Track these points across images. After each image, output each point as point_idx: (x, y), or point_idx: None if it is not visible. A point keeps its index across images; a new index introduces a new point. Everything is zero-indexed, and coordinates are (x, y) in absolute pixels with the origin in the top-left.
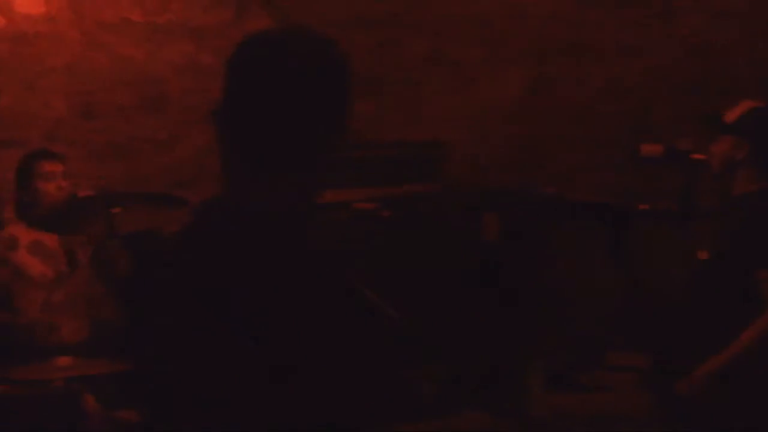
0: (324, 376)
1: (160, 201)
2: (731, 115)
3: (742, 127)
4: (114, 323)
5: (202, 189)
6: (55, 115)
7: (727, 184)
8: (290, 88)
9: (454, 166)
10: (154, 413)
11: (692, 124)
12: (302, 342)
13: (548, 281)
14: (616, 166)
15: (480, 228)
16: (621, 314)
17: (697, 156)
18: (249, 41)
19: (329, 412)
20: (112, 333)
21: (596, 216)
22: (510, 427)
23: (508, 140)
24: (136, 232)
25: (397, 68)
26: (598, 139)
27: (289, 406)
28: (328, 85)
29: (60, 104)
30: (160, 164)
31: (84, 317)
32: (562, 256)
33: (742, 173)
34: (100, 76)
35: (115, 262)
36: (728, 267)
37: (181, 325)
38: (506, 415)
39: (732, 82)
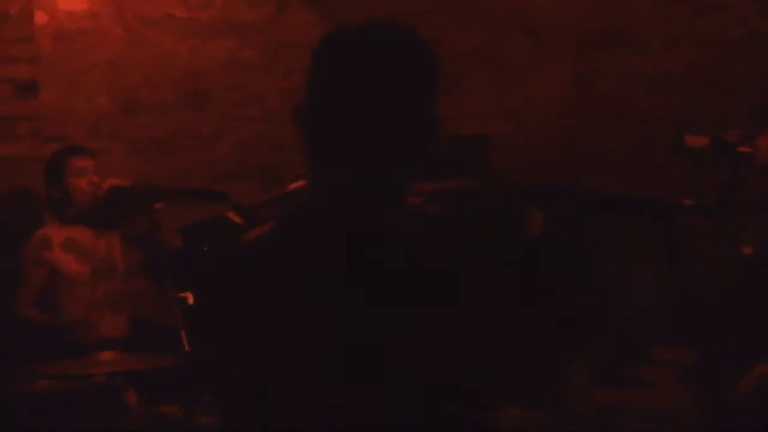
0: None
1: (203, 196)
2: None
3: None
4: (155, 319)
5: (244, 184)
6: (98, 110)
7: None
8: (384, 83)
9: (498, 160)
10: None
11: (739, 117)
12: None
13: (592, 276)
14: (660, 161)
15: (524, 223)
16: (666, 310)
17: (743, 149)
18: (338, 35)
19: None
20: (153, 329)
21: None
22: (554, 422)
23: (552, 134)
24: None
25: (443, 62)
26: (642, 133)
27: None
28: (421, 80)
29: (103, 100)
30: (203, 159)
31: (124, 313)
32: (605, 251)
33: None
34: (143, 71)
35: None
36: None
37: (266, 334)
38: (550, 410)
39: None
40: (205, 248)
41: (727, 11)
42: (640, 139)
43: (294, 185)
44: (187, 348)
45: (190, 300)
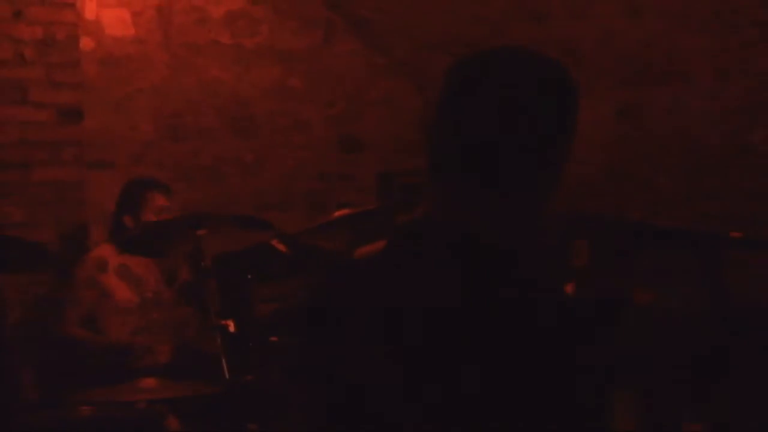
0: None
1: (246, 223)
2: None
3: None
4: (198, 347)
5: (289, 212)
6: (143, 137)
7: None
8: (527, 107)
9: None
10: None
11: None
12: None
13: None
14: (713, 194)
15: (570, 254)
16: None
17: None
18: (474, 63)
19: None
20: (196, 357)
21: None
22: None
23: (601, 167)
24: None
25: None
26: (692, 167)
27: None
28: (558, 104)
29: (148, 126)
30: (247, 187)
31: (167, 340)
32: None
33: None
34: (188, 98)
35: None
36: None
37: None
38: None
39: None
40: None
41: None
42: (689, 173)
43: (338, 213)
44: (227, 375)
45: (232, 327)
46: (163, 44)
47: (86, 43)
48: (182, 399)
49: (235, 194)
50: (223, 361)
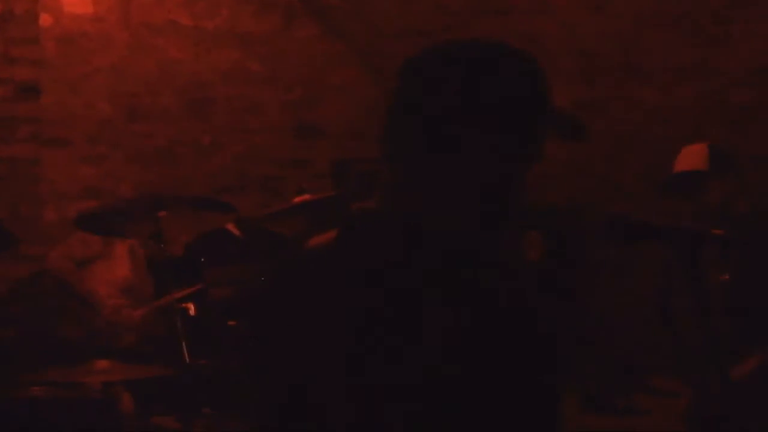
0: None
1: (207, 205)
2: None
3: None
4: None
5: (243, 196)
6: (100, 116)
7: None
8: (492, 101)
9: None
10: None
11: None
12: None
13: (590, 302)
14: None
15: (523, 246)
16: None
17: None
18: (436, 56)
19: None
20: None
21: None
22: None
23: (556, 159)
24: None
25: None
26: (649, 162)
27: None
28: (531, 99)
29: (105, 105)
30: (202, 169)
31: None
32: (606, 277)
33: None
34: (146, 78)
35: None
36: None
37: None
38: None
39: None
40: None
41: (736, 45)
42: (646, 168)
43: (298, 199)
44: (187, 359)
45: (192, 311)
46: (123, 23)
47: (45, 19)
48: (137, 381)
49: (190, 176)
50: (183, 344)
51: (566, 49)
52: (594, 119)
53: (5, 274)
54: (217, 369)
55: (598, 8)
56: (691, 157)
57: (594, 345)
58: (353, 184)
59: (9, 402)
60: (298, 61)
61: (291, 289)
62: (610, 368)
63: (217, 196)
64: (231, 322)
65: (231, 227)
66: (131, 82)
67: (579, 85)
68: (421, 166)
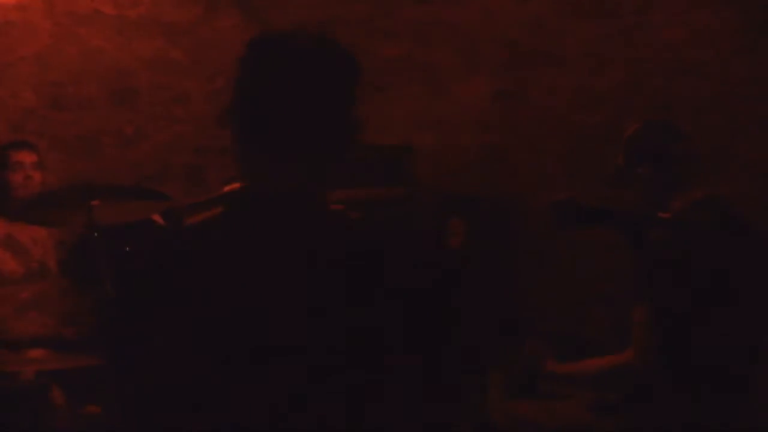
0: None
1: (140, 194)
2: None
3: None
4: (85, 318)
5: (166, 185)
6: (24, 105)
7: None
8: (305, 87)
9: (422, 171)
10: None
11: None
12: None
13: (511, 288)
14: (585, 176)
15: (446, 233)
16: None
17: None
18: (263, 41)
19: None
20: (83, 328)
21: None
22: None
23: (477, 147)
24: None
25: (368, 71)
26: (569, 149)
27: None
28: (340, 84)
29: (29, 95)
30: (126, 158)
31: (50, 312)
32: (527, 264)
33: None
34: (70, 67)
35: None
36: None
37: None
38: (464, 419)
39: (706, 97)
40: (128, 249)
41: (654, 35)
42: (567, 155)
43: (228, 188)
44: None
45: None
46: (46, 12)
47: None
48: (68, 371)
49: (114, 166)
50: (110, 332)
51: (488, 38)
52: (515, 107)
53: None
54: None
55: None
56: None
57: (518, 331)
58: None
59: None
60: (221, 50)
61: (163, 258)
62: (533, 353)
63: (142, 185)
64: None
65: (156, 217)
66: (55, 71)
67: (498, 72)
68: (257, 150)
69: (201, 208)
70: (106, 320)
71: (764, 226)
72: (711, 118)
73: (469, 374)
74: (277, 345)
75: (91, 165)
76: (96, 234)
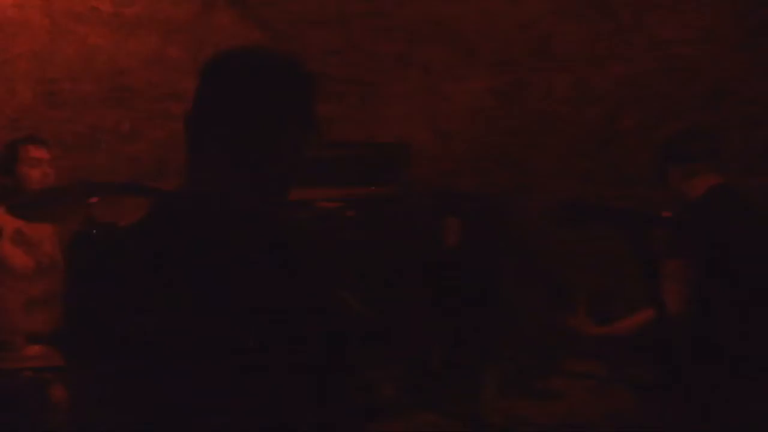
0: (288, 376)
1: (140, 192)
2: None
3: None
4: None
5: (163, 182)
6: (20, 102)
7: None
8: (259, 96)
9: (417, 168)
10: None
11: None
12: (267, 339)
13: (505, 287)
14: (580, 174)
15: (441, 231)
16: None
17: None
18: (222, 54)
19: (291, 412)
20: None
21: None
22: (464, 430)
23: (473, 145)
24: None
25: (365, 69)
26: (564, 147)
27: (250, 406)
28: (294, 93)
29: (25, 91)
30: (122, 155)
31: (56, 308)
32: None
33: None
34: (67, 64)
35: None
36: None
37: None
38: (460, 418)
39: (699, 95)
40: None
41: (649, 33)
42: (562, 153)
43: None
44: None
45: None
46: (44, 9)
47: None
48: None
49: (110, 163)
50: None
51: (484, 36)
52: (511, 105)
53: None
54: None
55: None
56: None
57: (512, 329)
58: None
59: None
60: (218, 47)
61: (100, 255)
62: (527, 352)
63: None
64: None
65: None
66: (52, 68)
67: (494, 71)
68: (207, 155)
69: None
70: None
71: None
72: (707, 115)
73: (467, 372)
74: (196, 346)
75: (86, 163)
76: (94, 231)
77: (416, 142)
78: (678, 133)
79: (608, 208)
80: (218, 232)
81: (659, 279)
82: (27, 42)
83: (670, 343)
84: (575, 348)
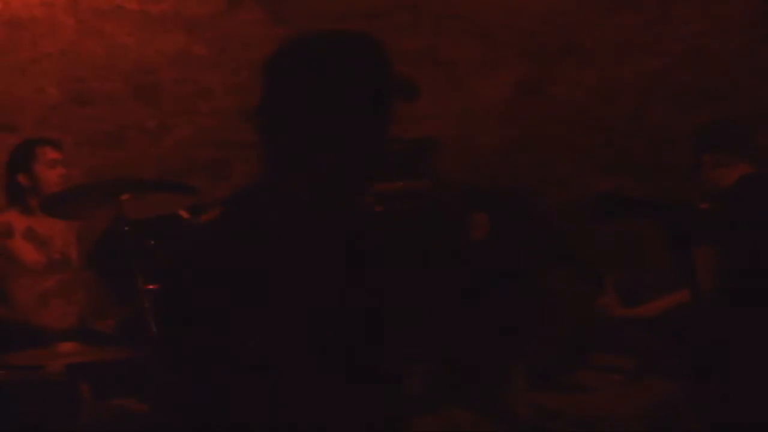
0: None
1: (170, 188)
2: None
3: None
4: (111, 311)
5: (190, 179)
6: (48, 101)
7: None
8: (337, 88)
9: (445, 164)
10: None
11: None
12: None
13: (535, 281)
14: (607, 168)
15: (469, 227)
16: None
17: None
18: (290, 44)
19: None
20: (109, 321)
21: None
22: (493, 425)
23: (500, 140)
24: (155, 218)
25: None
26: (591, 141)
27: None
28: (370, 83)
29: (53, 90)
30: (149, 153)
31: (74, 304)
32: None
33: None
34: (94, 63)
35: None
36: None
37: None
38: (490, 413)
39: (728, 88)
40: (152, 242)
41: (677, 25)
42: (590, 147)
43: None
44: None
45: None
46: (70, 8)
47: None
48: (97, 364)
49: (138, 161)
50: (152, 325)
51: (510, 30)
52: (538, 100)
53: None
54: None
55: None
56: None
57: (542, 323)
58: None
59: None
60: (244, 44)
61: (182, 256)
62: (555, 346)
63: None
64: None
65: (182, 212)
66: (79, 67)
67: (520, 64)
68: (284, 150)
69: (216, 206)
70: (140, 313)
71: None
72: (733, 107)
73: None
74: (280, 344)
75: (114, 160)
76: (126, 228)
77: (442, 138)
78: (710, 124)
79: (644, 201)
80: (300, 229)
81: (692, 267)
82: (54, 41)
83: (702, 328)
84: (605, 340)
